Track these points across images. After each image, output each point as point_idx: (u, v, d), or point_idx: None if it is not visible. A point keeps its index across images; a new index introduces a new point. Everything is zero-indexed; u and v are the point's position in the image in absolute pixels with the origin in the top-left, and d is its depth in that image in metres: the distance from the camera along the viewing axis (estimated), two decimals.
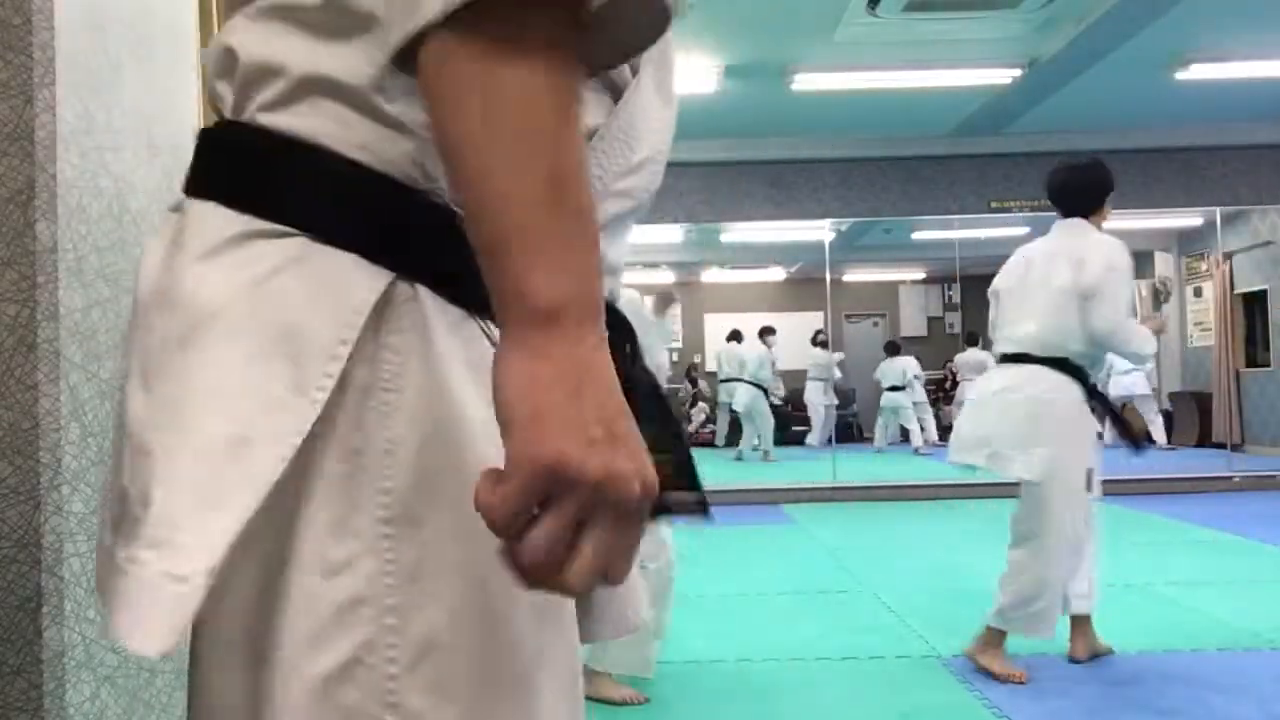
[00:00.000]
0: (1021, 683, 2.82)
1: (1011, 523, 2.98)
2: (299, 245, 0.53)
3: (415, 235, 0.54)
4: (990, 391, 3.04)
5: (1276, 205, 8.60)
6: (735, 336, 10.83)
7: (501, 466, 0.45)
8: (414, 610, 0.51)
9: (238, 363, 0.51)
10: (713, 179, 8.08)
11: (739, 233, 9.56)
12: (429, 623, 0.51)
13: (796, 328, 10.76)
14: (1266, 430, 9.21)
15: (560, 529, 0.45)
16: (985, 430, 2.98)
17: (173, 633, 0.49)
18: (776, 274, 12.39)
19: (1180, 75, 6.46)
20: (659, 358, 3.26)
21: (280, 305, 0.52)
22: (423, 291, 0.54)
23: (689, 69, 6.23)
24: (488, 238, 0.46)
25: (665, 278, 12.20)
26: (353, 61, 0.54)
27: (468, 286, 0.51)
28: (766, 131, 7.76)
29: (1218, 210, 8.52)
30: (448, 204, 0.54)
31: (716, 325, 12.06)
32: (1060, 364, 2.92)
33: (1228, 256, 9.50)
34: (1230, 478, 7.83)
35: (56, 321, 1.58)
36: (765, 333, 10.51)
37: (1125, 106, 7.16)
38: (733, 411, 10.51)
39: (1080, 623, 3.05)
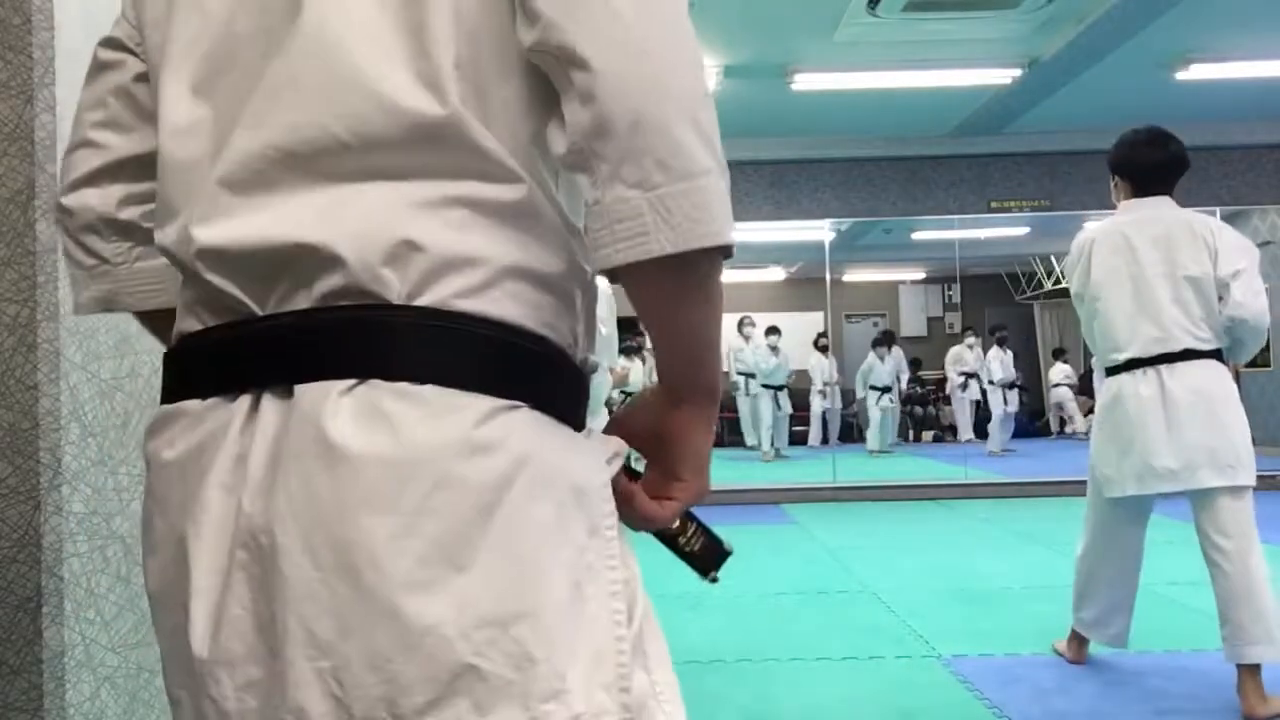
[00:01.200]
0: None
1: (1217, 540, 2.60)
2: (532, 415, 0.66)
3: (579, 396, 0.74)
4: (1167, 399, 2.65)
5: (1276, 205, 8.60)
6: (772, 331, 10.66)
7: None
8: (634, 592, 0.72)
9: (550, 520, 0.64)
10: None
11: (739, 233, 9.16)
12: (638, 597, 0.73)
13: (797, 328, 10.76)
14: (1266, 430, 9.20)
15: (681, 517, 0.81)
16: (1199, 444, 2.60)
17: None
18: (776, 274, 12.39)
19: (1180, 75, 6.47)
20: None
21: (555, 465, 0.66)
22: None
23: None
24: (695, 359, 0.72)
25: None
26: (545, 251, 0.68)
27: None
28: (766, 131, 7.76)
29: (1218, 210, 8.51)
30: (576, 362, 0.73)
31: None
32: (1219, 355, 2.69)
33: None
34: None
35: (56, 321, 1.58)
36: (765, 331, 10.47)
37: (1125, 106, 7.15)
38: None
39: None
